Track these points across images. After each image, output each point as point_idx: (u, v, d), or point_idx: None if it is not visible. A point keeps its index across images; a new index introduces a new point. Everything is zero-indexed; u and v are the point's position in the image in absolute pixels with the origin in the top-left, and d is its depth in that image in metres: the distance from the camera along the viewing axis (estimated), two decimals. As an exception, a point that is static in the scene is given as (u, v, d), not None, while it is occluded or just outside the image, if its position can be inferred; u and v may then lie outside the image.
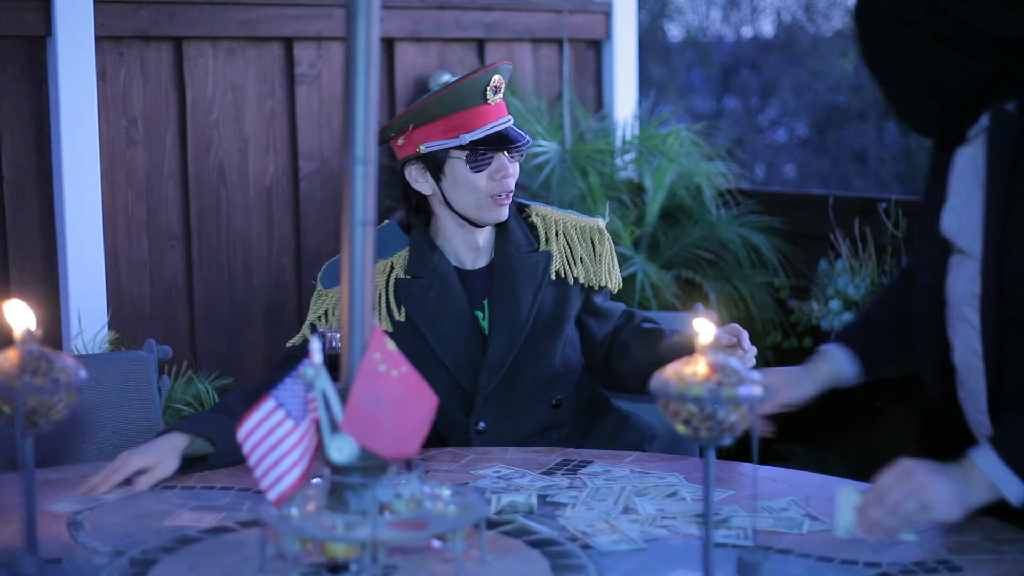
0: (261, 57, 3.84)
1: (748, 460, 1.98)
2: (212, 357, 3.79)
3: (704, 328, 1.60)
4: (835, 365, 2.22)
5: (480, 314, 2.59)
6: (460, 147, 2.51)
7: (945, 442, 2.09)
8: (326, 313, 2.58)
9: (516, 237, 2.62)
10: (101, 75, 3.56)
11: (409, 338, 2.51)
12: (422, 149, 2.53)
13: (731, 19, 7.84)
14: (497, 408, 2.55)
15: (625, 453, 2.37)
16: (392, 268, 2.60)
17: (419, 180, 2.57)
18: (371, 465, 1.67)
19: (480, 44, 4.23)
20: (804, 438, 4.21)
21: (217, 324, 3.81)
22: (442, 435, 2.55)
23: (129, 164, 3.65)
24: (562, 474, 2.24)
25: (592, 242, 2.66)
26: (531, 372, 2.57)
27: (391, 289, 2.57)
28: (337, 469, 1.68)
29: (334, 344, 2.25)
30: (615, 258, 2.70)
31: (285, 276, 3.92)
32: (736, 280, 4.03)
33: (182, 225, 3.74)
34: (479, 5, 4.17)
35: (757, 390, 1.57)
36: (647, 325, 2.69)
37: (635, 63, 4.47)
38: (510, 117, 2.57)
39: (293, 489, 1.69)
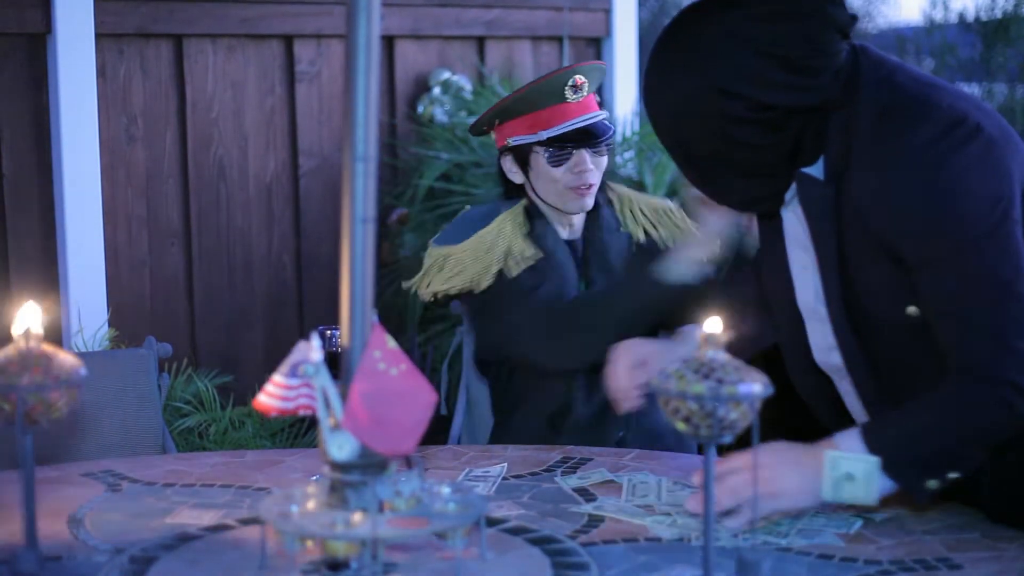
0: (261, 54, 3.84)
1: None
2: (212, 355, 3.80)
3: (714, 327, 1.60)
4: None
5: (584, 284, 2.74)
6: (540, 143, 2.66)
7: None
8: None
9: (604, 213, 2.77)
10: (101, 72, 3.56)
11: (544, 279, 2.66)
12: (509, 143, 2.70)
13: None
14: (635, 415, 2.62)
15: (625, 451, 2.37)
16: (514, 223, 2.70)
17: (512, 170, 2.74)
18: (371, 463, 1.67)
19: (480, 41, 4.23)
20: (804, 437, 4.21)
21: (217, 322, 3.81)
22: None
23: (129, 161, 3.65)
24: (562, 472, 2.24)
25: (670, 219, 2.79)
26: None
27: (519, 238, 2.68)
28: (337, 466, 1.68)
29: (334, 343, 2.25)
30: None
31: (285, 273, 3.92)
32: (736, 278, 4.02)
33: (182, 222, 3.75)
34: (479, 3, 4.17)
35: (758, 388, 1.57)
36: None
37: (635, 61, 4.47)
38: (598, 112, 2.70)
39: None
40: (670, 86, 1.87)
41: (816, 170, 1.90)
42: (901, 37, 6.63)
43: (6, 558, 1.74)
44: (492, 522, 1.93)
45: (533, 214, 2.73)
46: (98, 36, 3.50)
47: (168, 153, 3.72)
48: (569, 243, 2.75)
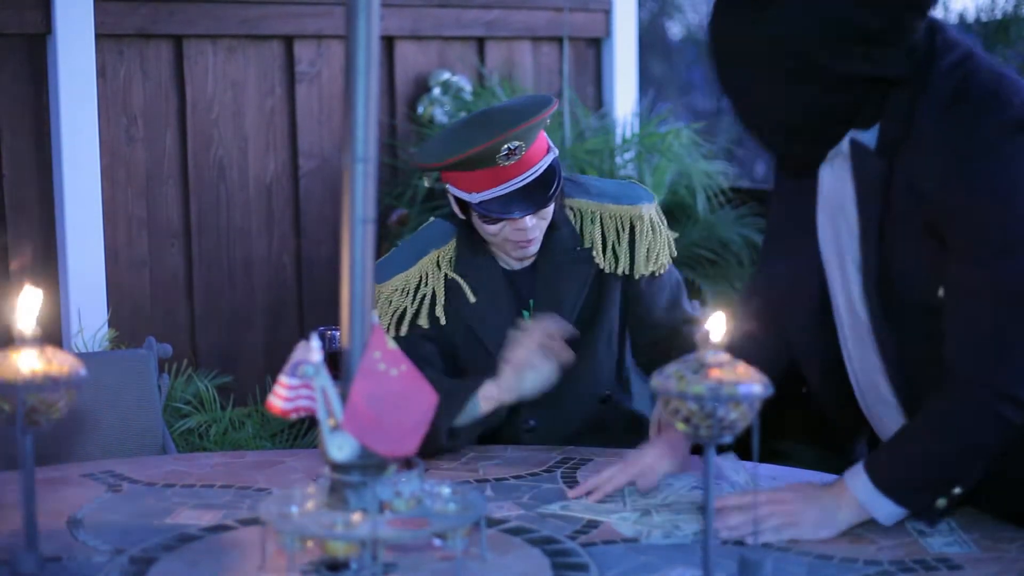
0: (261, 55, 3.84)
1: (748, 458, 1.99)
2: (212, 355, 3.80)
3: (716, 325, 1.60)
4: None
5: (527, 313, 2.55)
6: (473, 204, 2.44)
7: (843, 439, 2.15)
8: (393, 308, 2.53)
9: (561, 235, 2.55)
10: (101, 73, 3.56)
11: (460, 330, 2.52)
12: (449, 188, 2.48)
13: (731, 17, 7.84)
14: (545, 404, 2.49)
15: (625, 451, 2.37)
16: (439, 265, 2.55)
17: (456, 206, 2.51)
18: (371, 463, 1.67)
19: (480, 42, 4.23)
20: (804, 437, 4.21)
21: (217, 322, 3.81)
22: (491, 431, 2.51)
23: (129, 162, 3.65)
24: (560, 473, 2.24)
25: (632, 229, 2.57)
26: (577, 367, 2.46)
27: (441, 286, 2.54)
28: (337, 467, 1.68)
29: (334, 343, 2.26)
30: (662, 240, 2.59)
31: (285, 274, 3.92)
32: (736, 280, 4.03)
33: (182, 223, 3.75)
34: (479, 3, 4.17)
35: (758, 388, 1.57)
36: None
37: (635, 61, 4.47)
38: (537, 167, 2.42)
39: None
40: (738, 34, 1.82)
41: (868, 137, 1.87)
42: (901, 37, 6.63)
43: (6, 558, 1.74)
44: (492, 522, 1.93)
45: (474, 244, 2.54)
46: (98, 36, 3.50)
47: (168, 154, 3.72)
48: (513, 273, 2.56)
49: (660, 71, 7.59)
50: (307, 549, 1.70)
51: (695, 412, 1.57)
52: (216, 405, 3.57)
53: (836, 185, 1.96)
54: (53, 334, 3.48)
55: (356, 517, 1.65)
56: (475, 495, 1.75)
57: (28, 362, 1.64)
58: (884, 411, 2.03)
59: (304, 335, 3.30)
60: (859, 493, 1.89)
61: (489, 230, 2.46)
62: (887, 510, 1.88)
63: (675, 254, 2.62)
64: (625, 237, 2.55)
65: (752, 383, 1.57)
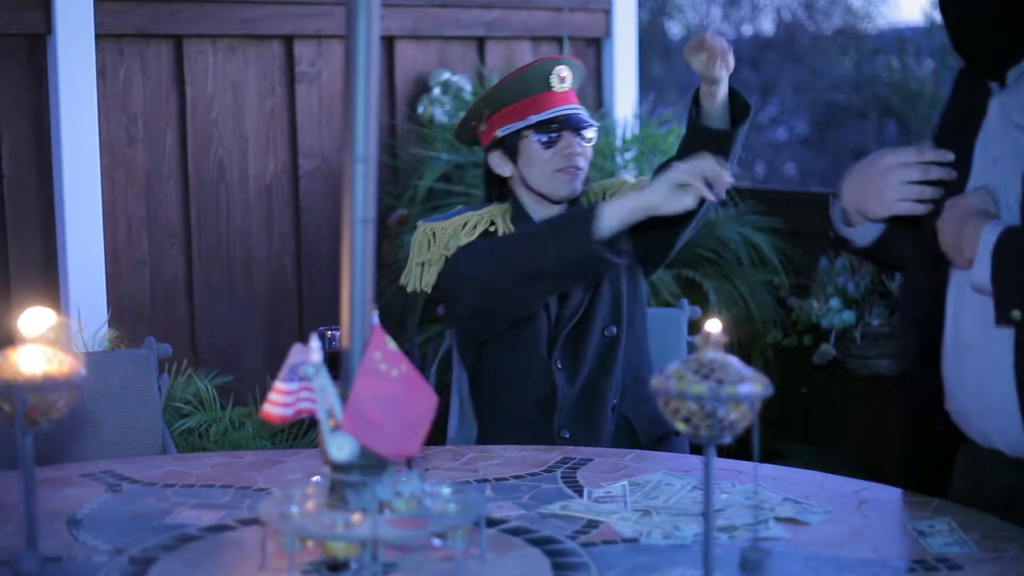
0: (261, 55, 3.84)
1: (748, 458, 1.99)
2: (212, 355, 3.80)
3: (713, 330, 1.60)
4: None
5: None
6: (529, 127, 2.75)
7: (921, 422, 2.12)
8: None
9: (582, 206, 2.80)
10: (101, 73, 3.56)
11: None
12: (499, 134, 2.78)
13: (731, 17, 7.85)
14: (577, 417, 2.76)
15: (625, 451, 2.37)
16: (503, 216, 2.81)
17: (500, 164, 2.81)
18: (371, 463, 1.67)
19: (480, 42, 4.23)
20: (804, 437, 4.21)
21: (217, 322, 3.81)
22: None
23: (129, 162, 3.65)
24: (561, 473, 2.24)
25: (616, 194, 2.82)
26: (605, 380, 2.76)
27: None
28: (337, 467, 1.68)
29: (334, 343, 2.26)
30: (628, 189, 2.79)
31: (285, 274, 3.92)
32: (736, 279, 4.03)
33: (182, 223, 3.75)
34: (479, 3, 4.17)
35: (758, 388, 1.57)
36: None
37: (635, 61, 4.47)
38: (579, 106, 2.81)
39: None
40: None
41: None
42: (901, 37, 6.64)
43: (6, 558, 1.74)
44: (492, 522, 1.93)
45: (517, 213, 2.81)
46: (98, 36, 3.50)
47: (168, 154, 3.72)
48: None
49: (660, 71, 7.58)
50: (307, 549, 1.70)
51: (695, 412, 1.57)
52: (216, 405, 3.57)
53: (1001, 122, 1.94)
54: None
55: (356, 517, 1.65)
56: (475, 495, 1.75)
57: (28, 362, 1.64)
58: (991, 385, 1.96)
59: (304, 335, 3.31)
60: (986, 237, 1.82)
61: (545, 155, 2.75)
62: (984, 273, 1.82)
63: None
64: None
65: (752, 383, 1.57)
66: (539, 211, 2.80)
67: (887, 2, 7.18)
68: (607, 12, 4.40)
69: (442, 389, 3.16)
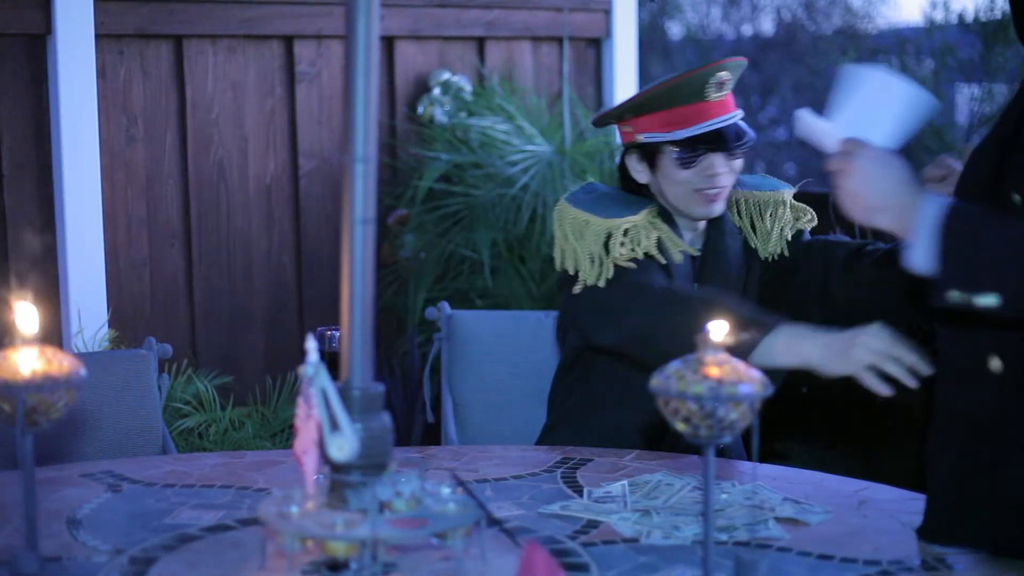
0: (261, 55, 3.84)
1: (748, 459, 1.99)
2: (212, 355, 3.80)
3: (719, 330, 1.60)
4: None
5: None
6: (673, 142, 2.47)
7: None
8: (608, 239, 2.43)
9: (726, 218, 2.59)
10: (101, 73, 3.57)
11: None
12: (640, 139, 2.51)
13: (731, 17, 7.85)
14: None
15: (625, 452, 2.37)
16: (651, 222, 2.51)
17: (637, 168, 2.55)
18: (371, 463, 1.67)
19: (480, 42, 4.23)
20: (804, 437, 4.21)
21: (217, 322, 3.81)
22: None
23: (129, 162, 3.65)
24: (561, 474, 2.24)
25: (773, 214, 2.61)
26: None
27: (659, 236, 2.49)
28: (337, 467, 1.68)
29: (334, 343, 2.26)
30: (795, 223, 2.61)
31: (285, 275, 3.92)
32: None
33: (182, 223, 3.75)
34: (479, 3, 4.17)
35: (758, 388, 1.57)
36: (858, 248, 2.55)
37: (635, 61, 4.47)
38: (736, 112, 2.50)
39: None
40: None
41: None
42: (901, 37, 6.64)
43: (6, 559, 1.74)
44: (492, 522, 1.93)
45: (665, 220, 2.54)
46: (98, 36, 3.50)
47: (168, 154, 3.72)
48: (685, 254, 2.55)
49: (660, 71, 7.58)
50: (307, 549, 1.70)
51: (695, 412, 1.57)
52: (216, 405, 3.57)
53: None
54: (53, 334, 3.48)
55: (356, 517, 1.65)
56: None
57: (28, 362, 1.64)
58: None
59: (304, 335, 3.31)
60: (925, 212, 1.70)
61: (682, 175, 2.47)
62: (923, 251, 1.70)
63: (781, 247, 2.61)
64: (768, 219, 2.60)
65: (752, 383, 1.57)
66: (682, 221, 2.54)
67: (887, 2, 7.18)
68: (607, 12, 4.40)
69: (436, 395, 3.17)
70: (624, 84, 4.43)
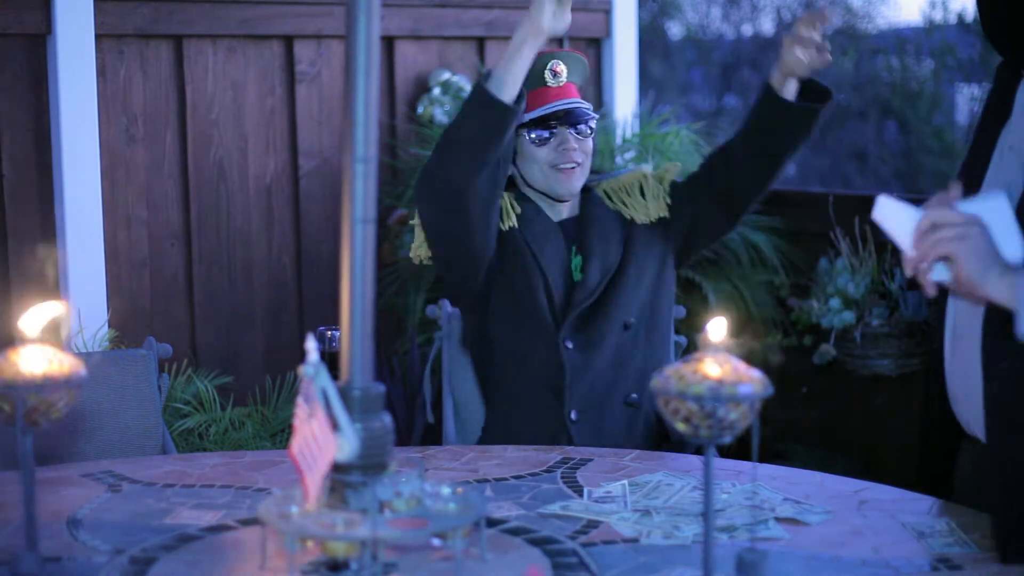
0: (261, 55, 3.84)
1: (748, 458, 1.99)
2: (212, 355, 3.79)
3: (717, 328, 1.60)
4: None
5: (576, 255, 2.82)
6: (523, 125, 2.74)
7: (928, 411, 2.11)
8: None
9: (594, 196, 2.88)
10: (101, 73, 3.56)
11: (518, 247, 2.78)
12: None
13: (731, 17, 7.84)
14: (588, 403, 2.74)
15: (625, 452, 2.37)
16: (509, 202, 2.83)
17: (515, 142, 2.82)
18: (371, 463, 1.67)
19: (480, 42, 4.23)
20: (804, 437, 4.21)
21: (217, 322, 3.81)
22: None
23: (129, 162, 3.65)
24: (560, 474, 2.24)
25: (640, 188, 2.88)
26: (616, 304, 2.77)
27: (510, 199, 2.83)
28: (337, 467, 1.68)
29: (334, 343, 2.26)
30: (664, 183, 2.89)
31: (285, 275, 3.92)
32: (736, 279, 4.02)
33: (182, 223, 3.75)
34: (479, 3, 4.17)
35: (758, 388, 1.57)
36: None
37: (635, 61, 4.47)
38: (578, 100, 2.79)
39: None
40: None
41: None
42: (901, 37, 6.64)
43: (6, 559, 1.74)
44: (492, 522, 1.93)
45: (522, 202, 2.82)
46: (98, 37, 3.50)
47: (168, 153, 3.72)
48: (560, 223, 2.84)
49: (660, 71, 7.58)
50: (307, 549, 1.70)
51: (695, 412, 1.57)
52: (216, 405, 3.57)
53: None
54: (53, 334, 3.47)
55: (356, 517, 1.65)
56: (475, 495, 1.75)
57: (28, 362, 1.64)
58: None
59: (304, 335, 3.31)
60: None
61: (539, 154, 2.76)
62: None
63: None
64: (636, 193, 2.87)
65: (752, 383, 1.57)
66: (549, 209, 2.84)
67: (887, 2, 7.18)
68: (607, 12, 4.40)
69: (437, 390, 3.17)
70: (624, 84, 4.43)
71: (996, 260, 1.75)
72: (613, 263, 2.80)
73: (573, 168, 2.76)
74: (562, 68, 2.78)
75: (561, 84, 2.78)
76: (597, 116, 2.82)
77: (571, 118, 2.76)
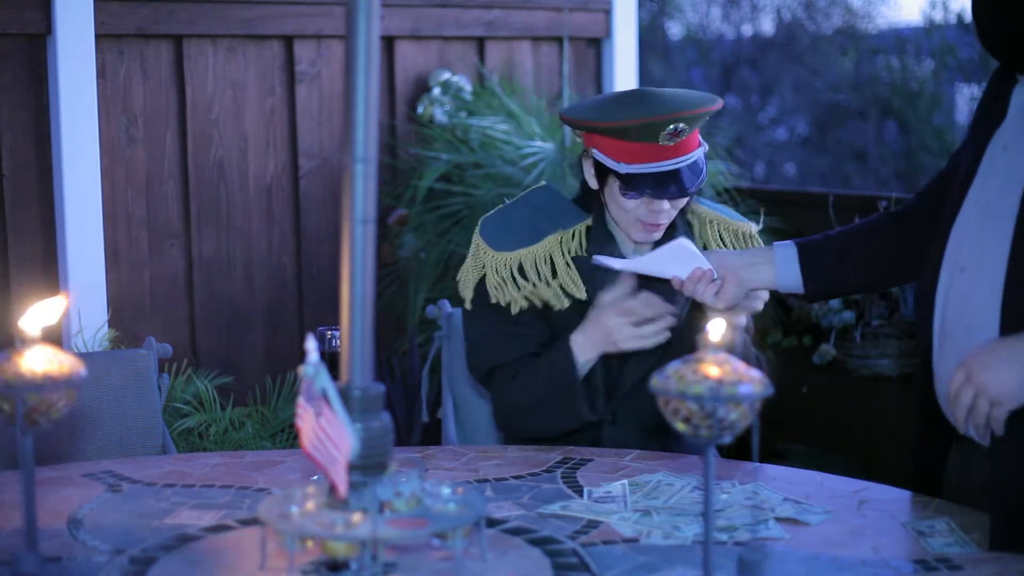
0: (261, 55, 3.84)
1: (748, 458, 1.99)
2: (212, 356, 3.80)
3: (717, 328, 1.60)
4: (778, 262, 2.31)
5: None
6: (618, 174, 2.43)
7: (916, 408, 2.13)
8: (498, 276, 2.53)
9: (677, 235, 2.52)
10: (101, 73, 3.56)
11: (578, 314, 2.49)
12: (593, 153, 2.47)
13: (731, 17, 7.84)
14: (626, 399, 2.55)
15: (626, 452, 2.37)
16: (573, 239, 2.53)
17: (590, 174, 2.52)
18: (371, 463, 1.67)
19: (480, 42, 4.23)
20: (804, 437, 4.21)
21: (217, 323, 3.81)
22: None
23: (129, 162, 3.65)
24: (560, 474, 2.24)
25: (745, 243, 2.65)
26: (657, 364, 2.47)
27: (570, 264, 2.52)
28: (337, 467, 1.68)
29: (334, 343, 2.26)
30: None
31: (285, 275, 3.92)
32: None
33: (182, 223, 3.75)
34: (479, 3, 4.17)
35: (758, 388, 1.57)
36: None
37: (635, 61, 4.47)
38: (690, 156, 2.42)
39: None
40: None
41: None
42: (901, 37, 6.64)
43: (6, 559, 1.74)
44: (492, 522, 1.93)
45: (598, 233, 2.53)
46: (98, 37, 3.50)
47: (168, 154, 3.72)
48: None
49: (660, 71, 7.58)
50: (307, 549, 1.70)
51: (695, 412, 1.57)
52: (216, 405, 3.57)
53: (1020, 112, 1.97)
54: (53, 334, 3.47)
55: (356, 517, 1.65)
56: (475, 495, 1.75)
57: (28, 362, 1.64)
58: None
59: (304, 335, 3.31)
60: None
61: (626, 204, 2.45)
62: None
63: None
64: (740, 247, 2.61)
65: (752, 383, 1.57)
66: (622, 239, 2.55)
67: (887, 2, 7.18)
68: (607, 12, 4.40)
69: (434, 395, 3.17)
70: (624, 84, 4.43)
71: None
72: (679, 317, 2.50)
73: (657, 227, 2.48)
74: (684, 129, 2.39)
75: (676, 143, 2.40)
76: (704, 177, 2.46)
77: (666, 189, 2.41)
